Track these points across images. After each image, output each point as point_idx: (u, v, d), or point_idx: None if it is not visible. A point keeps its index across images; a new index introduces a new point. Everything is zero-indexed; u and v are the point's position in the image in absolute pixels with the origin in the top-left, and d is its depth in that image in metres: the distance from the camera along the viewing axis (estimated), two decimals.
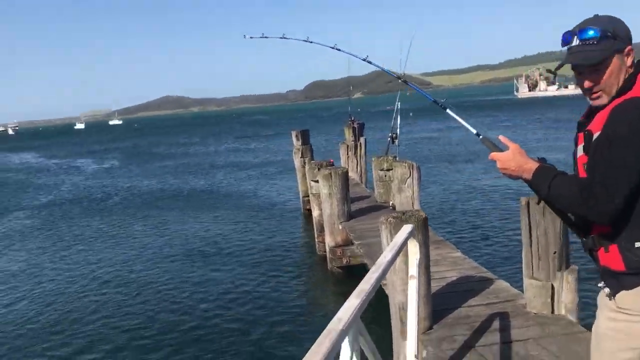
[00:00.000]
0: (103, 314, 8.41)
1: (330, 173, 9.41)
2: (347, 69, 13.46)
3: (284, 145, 35.51)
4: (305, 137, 15.37)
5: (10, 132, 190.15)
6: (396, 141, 11.38)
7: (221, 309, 8.22)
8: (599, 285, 2.15)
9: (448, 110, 2.88)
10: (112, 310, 8.53)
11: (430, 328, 4.69)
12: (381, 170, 10.98)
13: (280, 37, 3.50)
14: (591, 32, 2.02)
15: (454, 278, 5.99)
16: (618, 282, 2.06)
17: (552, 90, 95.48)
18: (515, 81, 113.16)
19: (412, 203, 9.17)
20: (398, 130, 11.32)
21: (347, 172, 9.74)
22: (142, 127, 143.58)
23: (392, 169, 10.00)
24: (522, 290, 5.06)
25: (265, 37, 3.63)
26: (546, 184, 2.09)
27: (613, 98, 2.02)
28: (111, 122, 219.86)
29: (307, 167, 11.93)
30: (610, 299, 2.11)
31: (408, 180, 9.04)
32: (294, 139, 15.62)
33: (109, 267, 11.01)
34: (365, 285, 2.49)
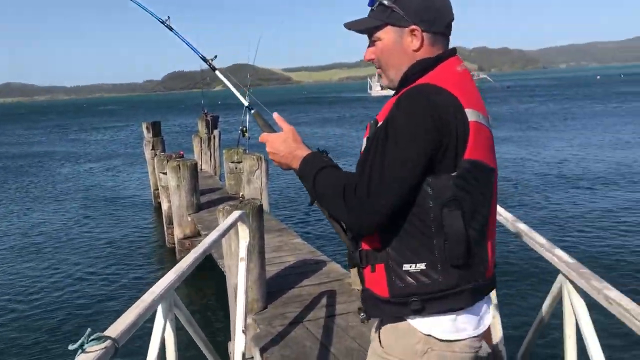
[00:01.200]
0: None
1: (179, 165, 9.43)
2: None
3: (138, 137, 34.26)
4: (156, 128, 15.07)
5: None
6: (247, 134, 11.63)
7: (59, 302, 7.92)
8: (360, 313, 1.75)
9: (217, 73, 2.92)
10: None
11: (265, 308, 5.02)
12: (232, 162, 11.19)
13: None
14: None
15: (292, 262, 6.40)
16: (379, 311, 1.67)
17: None
18: (368, 80, 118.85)
19: (261, 193, 9.53)
20: (247, 124, 11.56)
21: (196, 164, 9.81)
22: None
23: (242, 161, 10.26)
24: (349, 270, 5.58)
25: None
26: (312, 175, 1.66)
27: (401, 84, 1.69)
28: None
29: (156, 159, 11.77)
30: (376, 333, 1.77)
31: (257, 172, 9.39)
32: (144, 130, 15.25)
33: None
34: (183, 263, 2.73)
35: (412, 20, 1.64)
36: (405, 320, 1.62)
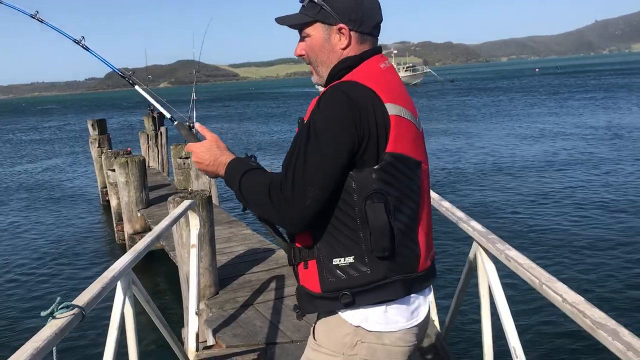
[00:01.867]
0: None
1: (127, 161, 9.49)
2: (148, 56, 13.38)
3: (80, 135, 33.56)
4: (102, 126, 14.95)
5: None
6: (194, 130, 11.76)
7: (12, 301, 7.91)
8: (295, 310, 1.77)
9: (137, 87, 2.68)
10: None
11: (217, 294, 5.26)
12: (180, 158, 11.29)
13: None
14: None
15: (242, 251, 6.65)
16: (313, 306, 1.68)
17: None
18: None
19: (210, 188, 9.72)
20: (194, 119, 11.71)
21: (144, 160, 9.89)
22: None
23: (189, 157, 10.38)
24: None
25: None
26: (237, 179, 1.67)
27: (328, 81, 1.74)
28: None
29: (103, 156, 11.74)
30: (312, 328, 1.78)
31: None
32: (90, 128, 15.08)
33: None
34: (139, 245, 2.97)
35: (340, 19, 1.67)
36: (337, 313, 1.63)
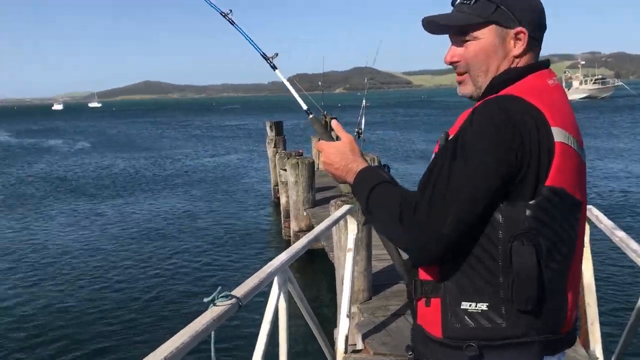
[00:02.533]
0: (72, 289, 8.90)
1: (298, 162, 10.02)
2: (325, 63, 13.97)
3: (260, 134, 36.16)
4: (278, 128, 15.91)
5: None
6: (362, 136, 12.03)
7: (185, 273, 8.87)
8: (407, 352, 1.54)
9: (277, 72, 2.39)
10: (82, 284, 9.02)
11: (370, 299, 5.31)
12: None
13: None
14: None
15: None
16: (429, 351, 1.45)
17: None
18: (563, 76, 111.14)
19: None
20: (363, 126, 11.95)
21: (313, 162, 10.35)
22: (120, 110, 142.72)
23: None
24: None
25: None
26: (366, 192, 1.47)
27: (484, 94, 1.48)
28: (91, 105, 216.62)
29: (277, 156, 12.50)
30: None
31: None
32: (267, 129, 16.15)
33: (76, 245, 11.47)
34: (297, 244, 3.12)
35: (519, 21, 1.42)
36: None
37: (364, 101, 12.11)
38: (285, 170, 10.94)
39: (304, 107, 2.09)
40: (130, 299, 8.20)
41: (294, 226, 10.27)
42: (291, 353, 3.01)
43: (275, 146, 15.43)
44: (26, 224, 13.64)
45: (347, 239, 4.59)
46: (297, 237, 10.03)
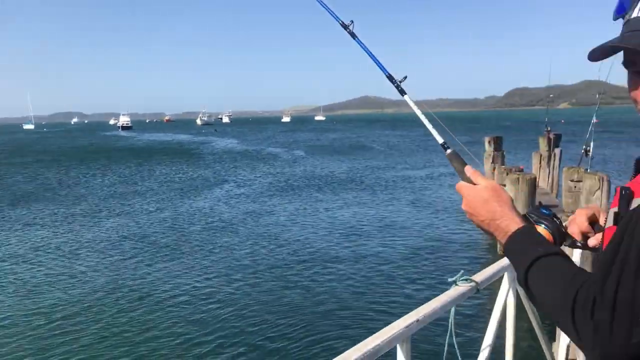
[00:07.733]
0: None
1: (518, 178, 9.95)
2: (550, 76, 13.47)
3: (477, 149, 35.73)
4: (497, 143, 15.77)
5: (226, 119, 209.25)
6: (589, 154, 11.37)
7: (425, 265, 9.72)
8: None
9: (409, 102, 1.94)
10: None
11: None
12: (571, 180, 11.10)
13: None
14: None
15: None
16: None
17: None
18: None
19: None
20: (592, 143, 11.27)
21: (534, 179, 10.17)
22: (341, 123, 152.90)
23: (581, 181, 10.16)
24: None
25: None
26: (524, 265, 1.19)
27: None
28: (317, 118, 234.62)
29: (496, 171, 12.47)
30: None
31: (597, 192, 9.24)
32: (486, 144, 16.09)
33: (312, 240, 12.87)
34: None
35: None
36: None
37: (594, 117, 11.46)
38: (504, 185, 10.90)
39: (440, 140, 1.72)
40: (386, 277, 9.78)
41: None
42: (517, 347, 3.28)
43: (493, 161, 15.33)
44: (291, 208, 15.72)
45: (571, 252, 4.63)
46: None
